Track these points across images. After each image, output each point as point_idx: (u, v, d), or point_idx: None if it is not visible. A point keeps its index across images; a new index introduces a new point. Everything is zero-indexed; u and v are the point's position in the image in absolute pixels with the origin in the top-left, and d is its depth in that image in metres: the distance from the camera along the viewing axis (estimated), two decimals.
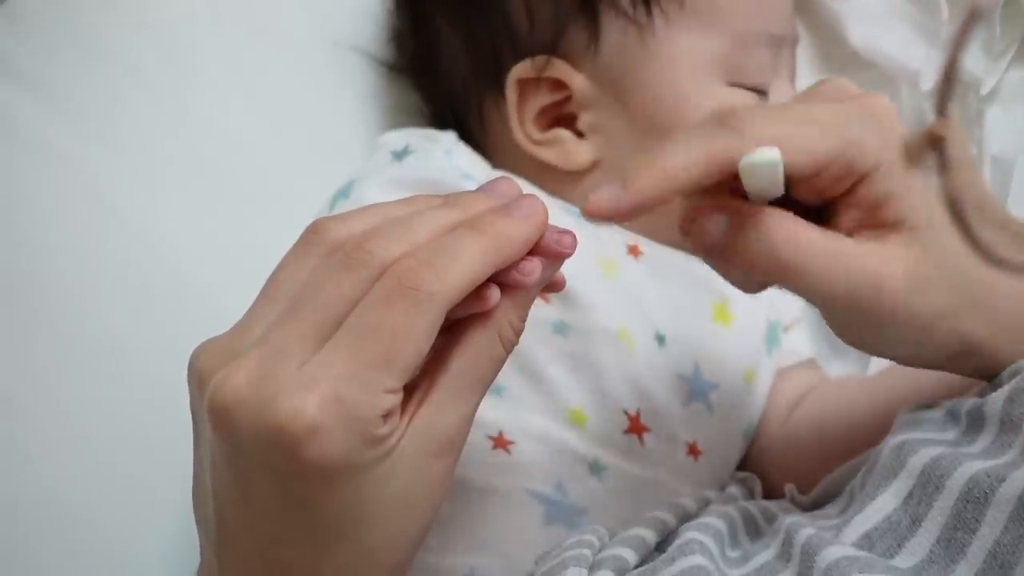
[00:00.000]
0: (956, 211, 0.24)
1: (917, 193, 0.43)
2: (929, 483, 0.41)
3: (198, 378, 0.38)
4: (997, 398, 0.42)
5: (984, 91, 0.69)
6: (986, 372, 0.46)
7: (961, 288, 0.43)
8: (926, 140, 0.24)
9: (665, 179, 0.41)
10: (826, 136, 0.42)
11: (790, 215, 0.43)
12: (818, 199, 0.44)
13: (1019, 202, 0.65)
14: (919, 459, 0.42)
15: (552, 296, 0.57)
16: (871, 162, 0.42)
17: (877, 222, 0.43)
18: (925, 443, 0.43)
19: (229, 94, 0.69)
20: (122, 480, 0.60)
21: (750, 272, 0.44)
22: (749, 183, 0.41)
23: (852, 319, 0.45)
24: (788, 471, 0.58)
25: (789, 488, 0.55)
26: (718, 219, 0.43)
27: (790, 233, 0.42)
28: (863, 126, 0.42)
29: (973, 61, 0.69)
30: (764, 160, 0.40)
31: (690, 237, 0.44)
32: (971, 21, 0.23)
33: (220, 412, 0.36)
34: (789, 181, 0.42)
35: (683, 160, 0.41)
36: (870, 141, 0.42)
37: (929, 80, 0.70)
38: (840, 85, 0.46)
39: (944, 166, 0.23)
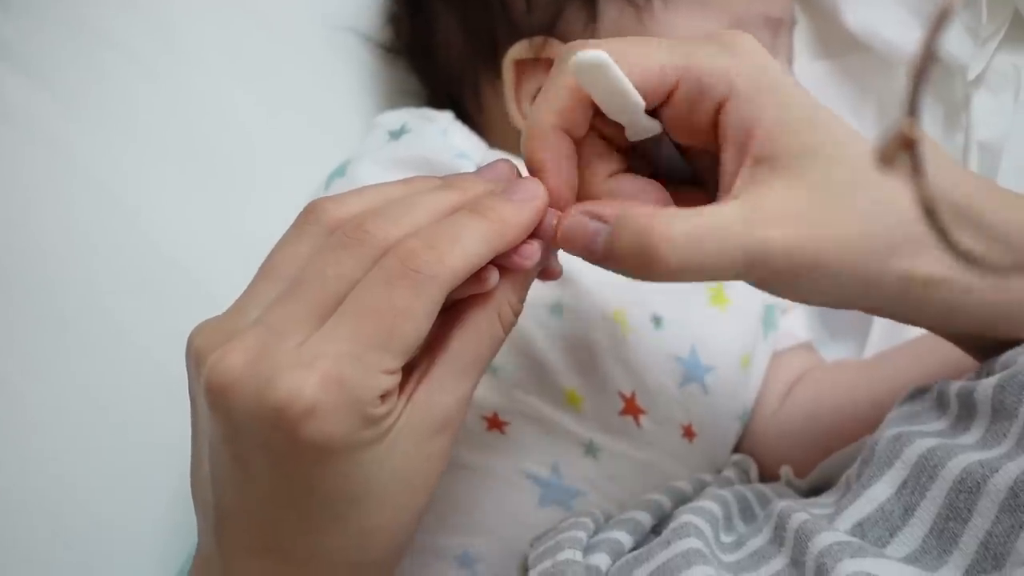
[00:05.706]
0: (930, 215, 0.23)
1: (791, 121, 0.39)
2: (923, 473, 0.41)
3: (195, 358, 0.38)
4: (987, 384, 0.42)
5: (971, 76, 0.68)
6: (970, 312, 0.42)
7: (881, 216, 0.39)
8: (898, 142, 0.23)
9: (542, 132, 0.41)
10: (664, 50, 0.40)
11: (655, 211, 0.39)
12: (698, 142, 0.42)
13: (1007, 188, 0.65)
14: (914, 449, 0.42)
15: None
16: (722, 83, 0.40)
17: (753, 159, 0.39)
18: (921, 435, 0.43)
19: (223, 75, 0.69)
20: (117, 464, 0.59)
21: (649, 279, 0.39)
22: (587, 86, 0.40)
23: (769, 281, 0.40)
24: (783, 454, 0.58)
25: (784, 470, 0.56)
26: (591, 224, 0.40)
27: (664, 231, 0.38)
28: (709, 47, 0.41)
29: (959, 46, 0.68)
30: (590, 57, 0.38)
31: (565, 243, 0.41)
32: (940, 21, 0.22)
33: (217, 392, 0.36)
34: (661, 121, 0.42)
35: (546, 107, 0.41)
36: (718, 60, 0.40)
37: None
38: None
39: (917, 169, 0.22)
